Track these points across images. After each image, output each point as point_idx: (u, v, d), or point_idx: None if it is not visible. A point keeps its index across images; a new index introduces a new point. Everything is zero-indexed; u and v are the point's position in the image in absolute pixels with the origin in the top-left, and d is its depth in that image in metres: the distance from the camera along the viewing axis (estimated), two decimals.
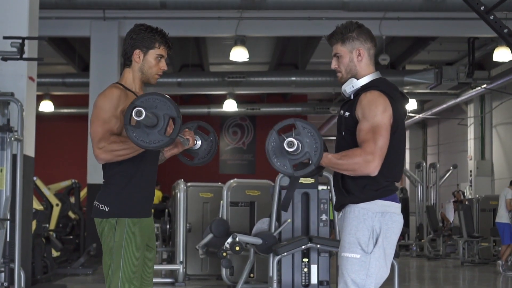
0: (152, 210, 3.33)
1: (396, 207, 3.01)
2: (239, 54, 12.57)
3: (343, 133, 3.05)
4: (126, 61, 3.27)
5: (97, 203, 3.18)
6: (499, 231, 11.33)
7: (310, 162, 2.89)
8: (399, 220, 3.01)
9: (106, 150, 3.06)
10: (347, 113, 3.03)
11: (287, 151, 2.84)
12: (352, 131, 2.99)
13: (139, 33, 3.22)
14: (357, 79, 3.06)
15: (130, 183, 3.16)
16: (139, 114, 2.81)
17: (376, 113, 2.91)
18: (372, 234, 2.95)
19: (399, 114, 3.00)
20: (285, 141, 2.83)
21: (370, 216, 2.95)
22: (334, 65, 3.12)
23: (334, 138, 3.20)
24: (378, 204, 2.97)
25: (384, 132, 2.91)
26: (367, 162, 2.87)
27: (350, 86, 3.07)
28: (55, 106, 17.17)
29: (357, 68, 3.07)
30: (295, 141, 2.83)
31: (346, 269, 2.96)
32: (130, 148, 3.04)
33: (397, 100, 3.02)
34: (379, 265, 2.95)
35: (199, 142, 3.36)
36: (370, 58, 3.09)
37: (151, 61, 3.23)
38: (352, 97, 3.08)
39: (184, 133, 3.27)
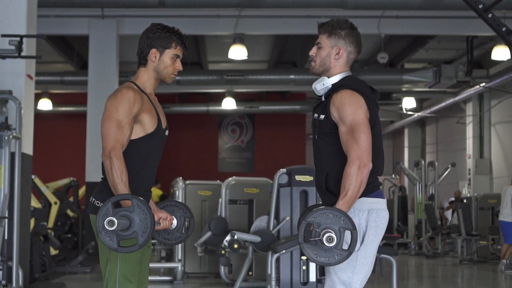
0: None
1: (382, 202, 3.02)
2: (238, 52, 12.56)
3: (316, 136, 3.06)
4: (141, 60, 3.24)
5: (93, 199, 3.16)
6: (502, 229, 11.17)
7: (349, 250, 2.82)
8: (385, 215, 3.03)
9: (112, 162, 3.01)
10: (322, 116, 3.02)
11: (326, 246, 2.77)
12: (328, 134, 3.00)
13: (156, 32, 3.20)
14: (328, 77, 3.07)
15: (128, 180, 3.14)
16: (111, 224, 2.82)
17: (350, 112, 2.91)
18: (358, 232, 2.95)
19: (373, 110, 3.01)
20: (325, 237, 2.76)
21: (357, 214, 2.97)
22: (312, 52, 3.13)
23: None
24: (364, 202, 2.97)
25: (363, 127, 2.90)
26: (359, 168, 2.86)
27: (321, 84, 3.08)
28: (54, 104, 17.16)
29: (331, 65, 3.08)
30: (334, 236, 2.77)
31: (333, 267, 2.97)
32: (119, 185, 3.00)
33: (369, 95, 3.02)
34: (365, 263, 2.97)
35: (174, 222, 3.29)
36: (348, 61, 3.10)
37: (167, 60, 3.21)
38: (323, 98, 3.09)
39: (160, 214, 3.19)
